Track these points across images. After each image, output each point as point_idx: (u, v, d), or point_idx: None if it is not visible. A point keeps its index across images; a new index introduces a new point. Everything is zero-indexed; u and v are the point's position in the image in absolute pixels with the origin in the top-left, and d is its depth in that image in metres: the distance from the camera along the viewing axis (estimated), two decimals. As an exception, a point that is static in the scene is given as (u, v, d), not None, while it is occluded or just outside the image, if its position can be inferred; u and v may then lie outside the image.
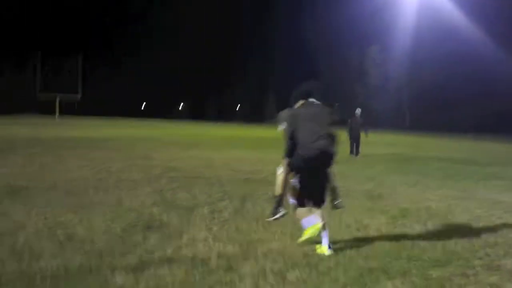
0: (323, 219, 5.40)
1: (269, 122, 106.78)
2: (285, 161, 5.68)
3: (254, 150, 20.97)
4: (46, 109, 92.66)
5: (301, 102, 5.83)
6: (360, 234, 6.32)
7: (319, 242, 5.42)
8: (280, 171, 5.81)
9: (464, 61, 68.23)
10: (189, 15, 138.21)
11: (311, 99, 5.84)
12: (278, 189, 5.84)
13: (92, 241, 5.48)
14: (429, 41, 73.84)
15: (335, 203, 6.16)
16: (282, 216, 5.82)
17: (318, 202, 5.58)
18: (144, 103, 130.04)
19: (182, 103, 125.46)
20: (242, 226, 6.43)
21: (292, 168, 5.63)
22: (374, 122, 18.95)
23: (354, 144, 19.73)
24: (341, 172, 13.24)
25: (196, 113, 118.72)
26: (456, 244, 5.84)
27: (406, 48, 78.54)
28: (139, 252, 5.16)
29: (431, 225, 6.91)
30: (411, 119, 79.24)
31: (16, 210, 6.91)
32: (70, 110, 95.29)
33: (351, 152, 19.63)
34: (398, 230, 6.58)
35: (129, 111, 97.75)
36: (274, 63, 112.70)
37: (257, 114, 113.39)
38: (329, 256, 5.20)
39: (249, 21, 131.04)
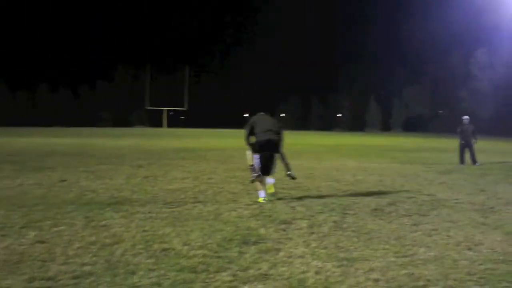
0: (269, 182, 9.34)
1: (371, 129, 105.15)
2: (248, 146, 9.48)
3: (356, 159, 20.49)
4: (155, 121, 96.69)
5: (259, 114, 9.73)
6: (471, 253, 5.77)
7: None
8: (248, 152, 9.44)
9: None
10: (291, 24, 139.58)
11: (261, 113, 9.76)
12: (249, 162, 9.42)
13: (187, 256, 5.40)
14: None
15: (287, 173, 9.66)
16: (258, 176, 9.14)
17: (267, 171, 9.30)
18: (246, 114, 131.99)
19: (282, 114, 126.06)
20: (342, 242, 6.11)
21: (253, 150, 9.30)
22: (482, 129, 17.89)
23: (465, 153, 18.71)
24: (450, 182, 12.61)
25: (298, 121, 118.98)
26: None
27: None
28: (234, 268, 5.00)
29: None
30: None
31: (116, 222, 7.01)
32: (177, 121, 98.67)
33: (461, 161, 18.64)
34: (514, 249, 5.96)
35: (235, 121, 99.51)
36: (375, 72, 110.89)
37: (359, 121, 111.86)
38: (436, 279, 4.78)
39: (350, 29, 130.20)
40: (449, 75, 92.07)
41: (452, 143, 40.10)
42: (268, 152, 9.23)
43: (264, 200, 8.93)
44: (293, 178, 9.79)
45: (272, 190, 9.29)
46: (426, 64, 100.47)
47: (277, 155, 9.46)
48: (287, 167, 9.62)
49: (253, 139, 9.37)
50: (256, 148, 9.24)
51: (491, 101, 79.67)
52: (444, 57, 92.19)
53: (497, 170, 16.41)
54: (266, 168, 9.20)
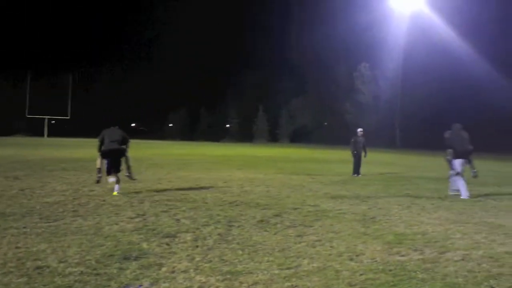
0: (117, 179, 11.49)
1: (259, 140, 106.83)
2: (98, 153, 11.42)
3: (243, 170, 20.60)
4: (35, 130, 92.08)
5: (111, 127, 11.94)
6: (353, 263, 5.88)
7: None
8: (99, 158, 11.38)
9: (456, 79, 68.46)
10: (181, 35, 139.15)
11: (112, 127, 11.98)
12: (97, 165, 11.44)
13: (63, 274, 5.07)
14: (420, 59, 73.97)
15: (126, 174, 11.99)
16: (100, 177, 11.47)
17: (114, 172, 11.42)
18: (133, 124, 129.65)
19: (170, 124, 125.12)
20: (227, 255, 6.02)
21: (102, 156, 11.35)
22: (365, 140, 18.74)
23: (357, 164, 19.37)
24: (333, 193, 12.96)
25: (185, 133, 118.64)
26: (457, 276, 5.43)
27: (397, 66, 78.81)
28: (112, 286, 4.76)
29: (429, 253, 6.48)
30: (402, 138, 78.88)
31: (-14, 239, 6.49)
32: (59, 130, 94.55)
33: (355, 172, 19.24)
34: (393, 259, 6.13)
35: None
36: (263, 83, 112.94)
37: (247, 132, 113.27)
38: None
39: (239, 40, 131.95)
40: (334, 88, 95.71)
41: (336, 154, 41.65)
42: (113, 158, 11.45)
43: (117, 193, 11.30)
44: (133, 179, 12.49)
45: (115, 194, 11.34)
46: (313, 77, 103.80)
47: (123, 159, 11.80)
48: (129, 169, 12.02)
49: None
50: (103, 155, 11.37)
51: (373, 113, 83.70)
52: (330, 70, 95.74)
53: (378, 181, 17.12)
54: (112, 169, 11.45)
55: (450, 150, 13.23)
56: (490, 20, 67.07)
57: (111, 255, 5.84)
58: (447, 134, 13.63)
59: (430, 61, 71.88)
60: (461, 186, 13.00)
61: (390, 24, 76.33)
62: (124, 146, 11.83)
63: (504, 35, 67.14)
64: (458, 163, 13.08)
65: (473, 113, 67.36)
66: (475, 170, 13.38)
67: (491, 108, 66.32)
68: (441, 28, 69.32)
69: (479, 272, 5.61)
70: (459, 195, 12.88)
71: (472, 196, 12.81)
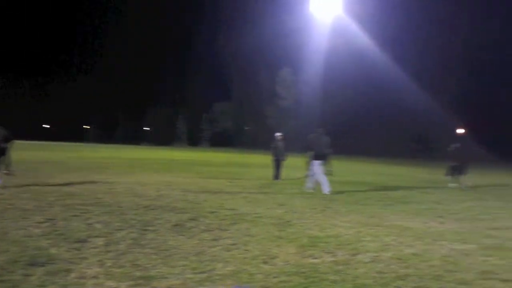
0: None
1: (179, 143, 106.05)
2: None
3: (161, 174, 20.34)
4: None
5: None
6: (267, 266, 5.90)
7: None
8: None
9: (374, 85, 70.83)
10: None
11: None
12: None
13: (-38, 282, 4.79)
14: (340, 65, 75.96)
15: (5, 172, 12.90)
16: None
17: None
18: (46, 125, 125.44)
19: (89, 126, 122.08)
20: (140, 260, 5.88)
21: None
22: (287, 145, 18.91)
23: (277, 169, 19.41)
24: (251, 197, 13.02)
25: (105, 136, 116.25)
26: (367, 277, 5.55)
27: (318, 71, 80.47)
28: (16, 293, 4.53)
29: (341, 255, 6.59)
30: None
31: None
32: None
33: (275, 177, 19.25)
34: (307, 261, 6.20)
35: (34, 134, 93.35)
36: (186, 85, 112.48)
37: (167, 135, 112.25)
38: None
39: (165, 44, 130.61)
40: (256, 92, 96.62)
41: (257, 158, 41.96)
42: None
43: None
44: (13, 175, 13.51)
45: None
46: (235, 82, 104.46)
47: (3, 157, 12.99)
48: (9, 166, 13.14)
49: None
50: None
51: (295, 118, 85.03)
52: (252, 75, 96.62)
53: (295, 185, 17.32)
54: None
55: (311, 152, 15.01)
56: (406, 28, 69.93)
57: (16, 261, 5.57)
58: (310, 137, 15.42)
59: (349, 67, 74.09)
60: (323, 183, 14.71)
61: (311, 30, 77.84)
62: (5, 145, 12.86)
63: (416, 43, 70.17)
64: (316, 163, 14.84)
65: (393, 117, 69.95)
66: (330, 169, 15.27)
67: (410, 115, 69.07)
68: (360, 35, 71.53)
69: (387, 273, 5.76)
70: (315, 192, 14.63)
71: (332, 192, 14.24)
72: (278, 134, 20.16)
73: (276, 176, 19.26)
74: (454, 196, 16.15)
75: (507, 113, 73.02)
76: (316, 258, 6.36)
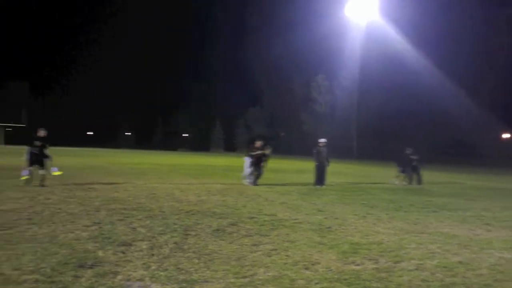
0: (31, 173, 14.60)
1: (216, 149, 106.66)
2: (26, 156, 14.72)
3: (200, 179, 20.59)
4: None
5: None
6: (308, 272, 5.99)
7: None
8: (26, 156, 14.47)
9: (412, 90, 69.85)
10: (134, 41, 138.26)
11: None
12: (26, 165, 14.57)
13: (17, 281, 5.05)
14: (375, 69, 75.20)
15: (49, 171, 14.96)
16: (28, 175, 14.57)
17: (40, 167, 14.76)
18: (89, 132, 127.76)
19: (127, 132, 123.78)
20: (183, 264, 6.07)
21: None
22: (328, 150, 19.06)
23: (321, 174, 19.22)
24: (289, 202, 13.11)
25: (142, 141, 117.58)
26: (411, 286, 5.58)
27: (353, 76, 79.87)
28: (68, 294, 4.77)
29: (383, 262, 6.61)
30: (358, 148, 79.75)
31: None
32: (16, 138, 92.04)
33: (317, 183, 19.07)
34: (348, 268, 6.25)
35: (75, 139, 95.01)
36: (219, 93, 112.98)
37: (204, 141, 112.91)
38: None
39: (193, 49, 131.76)
40: (291, 98, 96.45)
41: (293, 164, 41.92)
42: (36, 158, 14.79)
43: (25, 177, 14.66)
44: (51, 174, 15.51)
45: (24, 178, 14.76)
46: (269, 87, 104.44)
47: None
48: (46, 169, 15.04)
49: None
50: (30, 157, 14.78)
51: (330, 123, 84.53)
52: (286, 81, 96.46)
53: (334, 191, 17.33)
54: (33, 163, 14.75)
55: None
56: (442, 31, 68.90)
57: (66, 263, 5.82)
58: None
59: (385, 71, 73.22)
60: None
61: (346, 34, 77.46)
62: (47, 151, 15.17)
63: (455, 45, 69.05)
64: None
65: (428, 122, 68.96)
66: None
67: (448, 119, 67.92)
68: (396, 38, 70.80)
69: (432, 281, 5.75)
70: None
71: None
72: (321, 140, 20.03)
73: (320, 182, 19.11)
74: (501, 203, 15.88)
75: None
76: (358, 265, 6.42)
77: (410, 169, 22.44)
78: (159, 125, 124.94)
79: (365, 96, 78.98)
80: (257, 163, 18.72)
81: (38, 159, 14.86)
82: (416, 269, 6.33)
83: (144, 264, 6.00)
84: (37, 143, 14.79)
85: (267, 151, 18.93)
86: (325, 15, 78.55)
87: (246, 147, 20.31)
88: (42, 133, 15.01)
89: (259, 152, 18.79)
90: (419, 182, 22.26)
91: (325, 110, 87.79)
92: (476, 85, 69.21)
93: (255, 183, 18.43)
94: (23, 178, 14.69)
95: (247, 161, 18.96)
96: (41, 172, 14.79)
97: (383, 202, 14.44)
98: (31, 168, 14.79)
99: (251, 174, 18.73)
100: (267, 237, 7.99)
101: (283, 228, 8.92)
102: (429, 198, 16.21)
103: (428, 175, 24.74)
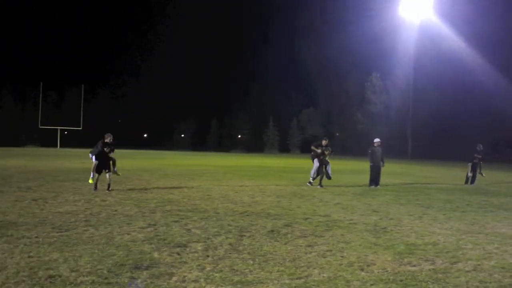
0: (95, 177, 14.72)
1: (269, 150, 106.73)
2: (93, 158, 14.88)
3: (254, 180, 20.60)
4: (48, 141, 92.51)
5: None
6: (363, 273, 5.87)
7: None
8: (94, 161, 14.72)
9: (467, 89, 68.12)
10: (187, 43, 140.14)
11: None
12: (93, 168, 14.69)
13: (75, 283, 5.10)
14: (430, 68, 73.69)
15: (114, 170, 15.07)
16: (95, 175, 14.73)
17: (104, 170, 14.74)
18: (145, 134, 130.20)
19: (182, 134, 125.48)
20: (238, 265, 6.03)
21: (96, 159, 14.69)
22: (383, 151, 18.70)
23: (375, 175, 19.00)
24: (344, 203, 12.94)
25: (197, 143, 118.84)
26: (469, 287, 5.41)
27: (408, 75, 78.52)
28: (124, 295, 4.78)
29: (440, 263, 6.45)
30: (413, 148, 78.31)
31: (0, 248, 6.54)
32: (72, 141, 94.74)
33: (372, 183, 18.90)
34: (404, 269, 6.11)
35: (130, 142, 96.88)
36: (273, 93, 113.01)
37: (258, 142, 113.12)
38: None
39: (248, 50, 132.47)
40: (345, 98, 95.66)
41: (347, 165, 41.51)
42: (103, 160, 14.74)
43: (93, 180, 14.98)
44: (117, 174, 15.60)
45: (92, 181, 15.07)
46: (323, 88, 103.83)
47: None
48: (114, 167, 15.15)
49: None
50: (97, 158, 14.76)
51: (385, 123, 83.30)
52: (340, 81, 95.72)
53: (389, 191, 17.04)
54: (102, 168, 14.75)
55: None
56: (498, 29, 66.84)
57: (122, 265, 5.87)
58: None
59: (440, 70, 71.64)
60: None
61: (400, 33, 76.22)
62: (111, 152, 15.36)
63: (511, 43, 66.88)
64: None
65: (483, 121, 67.07)
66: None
67: (505, 119, 65.93)
68: (450, 37, 69.20)
69: (490, 283, 5.59)
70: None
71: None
72: (376, 140, 19.75)
73: (374, 182, 18.87)
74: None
75: None
76: (414, 266, 6.27)
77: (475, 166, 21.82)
78: (214, 126, 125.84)
79: (420, 96, 77.41)
80: (320, 162, 18.52)
81: (105, 164, 14.77)
82: (474, 270, 6.15)
83: (199, 265, 5.98)
84: (106, 149, 14.71)
85: (327, 152, 18.63)
86: (379, 14, 77.42)
87: (313, 143, 19.78)
88: (109, 138, 14.88)
89: (319, 150, 18.57)
90: (472, 181, 21.63)
91: (379, 110, 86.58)
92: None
93: (320, 184, 18.14)
94: (91, 181, 15.02)
95: (315, 162, 18.54)
96: (108, 175, 14.75)
97: (439, 202, 14.09)
98: (99, 173, 14.75)
99: (314, 173, 18.50)
100: (321, 238, 7.88)
101: (337, 229, 8.79)
102: (486, 198, 15.72)
103: (486, 174, 23.95)
